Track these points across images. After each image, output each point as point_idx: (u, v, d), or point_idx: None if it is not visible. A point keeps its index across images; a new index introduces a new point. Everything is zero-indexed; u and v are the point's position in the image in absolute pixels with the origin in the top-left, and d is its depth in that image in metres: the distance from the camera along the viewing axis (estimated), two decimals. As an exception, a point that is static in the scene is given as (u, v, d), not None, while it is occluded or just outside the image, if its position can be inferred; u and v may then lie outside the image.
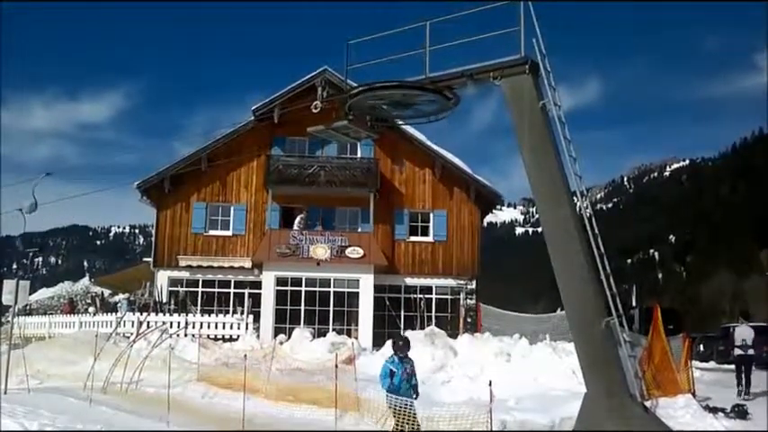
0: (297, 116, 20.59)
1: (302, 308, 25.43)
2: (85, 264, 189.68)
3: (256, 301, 25.28)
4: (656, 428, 8.09)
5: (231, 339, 22.70)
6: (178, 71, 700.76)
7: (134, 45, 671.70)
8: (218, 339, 22.05)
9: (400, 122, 12.02)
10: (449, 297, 27.22)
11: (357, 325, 25.13)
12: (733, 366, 16.36)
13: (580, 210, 8.43)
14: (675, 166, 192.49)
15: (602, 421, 7.94)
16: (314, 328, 23.70)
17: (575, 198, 8.51)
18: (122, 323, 22.38)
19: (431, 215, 27.83)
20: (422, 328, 22.86)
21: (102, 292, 37.79)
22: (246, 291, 26.01)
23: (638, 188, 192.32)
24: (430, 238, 27.69)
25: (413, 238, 27.63)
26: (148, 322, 22.21)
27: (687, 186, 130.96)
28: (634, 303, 36.16)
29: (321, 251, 25.55)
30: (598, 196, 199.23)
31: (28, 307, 31.48)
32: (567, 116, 8.58)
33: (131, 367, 14.73)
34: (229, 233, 27.27)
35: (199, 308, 25.67)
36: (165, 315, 23.82)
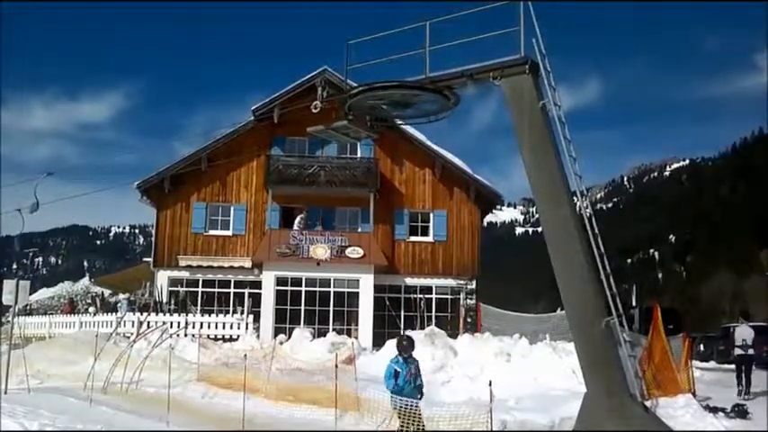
0: (297, 116, 20.57)
1: (302, 308, 25.44)
2: (85, 264, 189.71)
3: (256, 301, 25.29)
4: (656, 428, 8.09)
5: (231, 339, 22.70)
6: (178, 71, 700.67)
7: (134, 45, 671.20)
8: (218, 339, 22.05)
9: (400, 122, 12.02)
10: (449, 297, 27.22)
11: (357, 325, 25.14)
12: (733, 366, 16.37)
13: (580, 210, 8.43)
14: (675, 166, 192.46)
15: (603, 421, 7.94)
16: (314, 328, 23.70)
17: (575, 198, 8.51)
18: (122, 323, 22.39)
19: (431, 215, 27.84)
20: (422, 328, 22.84)
21: (103, 292, 37.84)
22: (246, 291, 26.03)
23: (638, 188, 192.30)
24: (430, 238, 27.70)
25: (413, 238, 27.63)
26: (148, 322, 22.20)
27: (687, 186, 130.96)
28: (634, 303, 36.13)
29: (321, 251, 25.56)
30: (598, 196, 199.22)
31: (28, 307, 31.51)
32: (567, 116, 8.59)
33: (131, 367, 14.73)
34: (229, 233, 27.28)
35: (199, 308, 25.68)
36: (165, 315, 23.82)
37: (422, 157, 27.91)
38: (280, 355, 15.59)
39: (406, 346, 9.44)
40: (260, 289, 25.52)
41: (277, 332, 23.85)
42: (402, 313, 26.54)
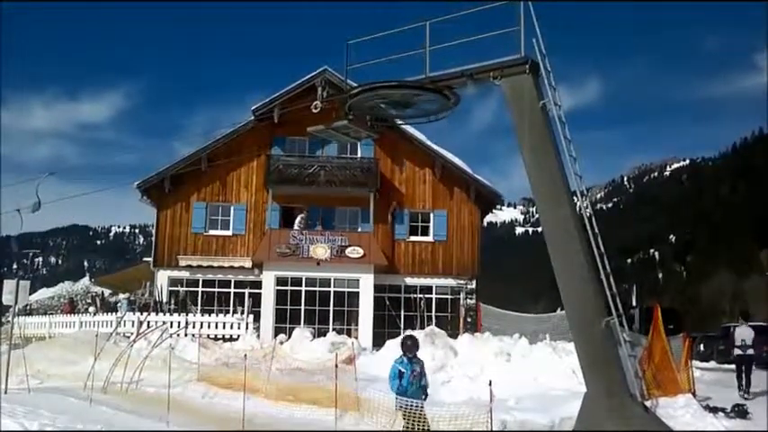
0: (297, 116, 20.57)
1: (302, 308, 25.44)
2: (85, 264, 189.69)
3: (256, 300, 25.28)
4: (656, 428, 8.09)
5: (231, 339, 22.70)
6: (178, 71, 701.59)
7: (134, 45, 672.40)
8: (218, 339, 22.05)
9: (400, 122, 12.02)
10: (449, 297, 27.22)
11: (357, 325, 25.14)
12: (733, 366, 16.37)
13: (580, 210, 8.42)
14: (675, 166, 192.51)
15: (603, 421, 7.93)
16: (314, 328, 23.69)
17: (575, 198, 8.51)
18: (122, 323, 22.40)
19: (431, 215, 27.84)
20: (422, 327, 22.83)
21: (103, 292, 37.84)
22: (246, 290, 26.02)
23: (638, 188, 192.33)
24: (430, 238, 27.69)
25: (413, 238, 27.63)
26: (148, 322, 22.20)
27: (687, 186, 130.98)
28: (634, 303, 36.15)
29: (321, 251, 25.55)
30: (598, 196, 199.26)
31: (28, 307, 31.52)
32: (567, 116, 8.58)
33: (131, 367, 14.74)
34: (229, 233, 27.27)
35: (199, 308, 25.67)
36: (165, 315, 23.81)
37: (422, 156, 27.91)
38: (280, 355, 15.58)
39: (411, 346, 9.36)
40: (260, 289, 25.52)
41: (277, 332, 23.85)
42: (402, 313, 26.53)
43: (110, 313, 25.72)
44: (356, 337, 22.85)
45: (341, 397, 11.15)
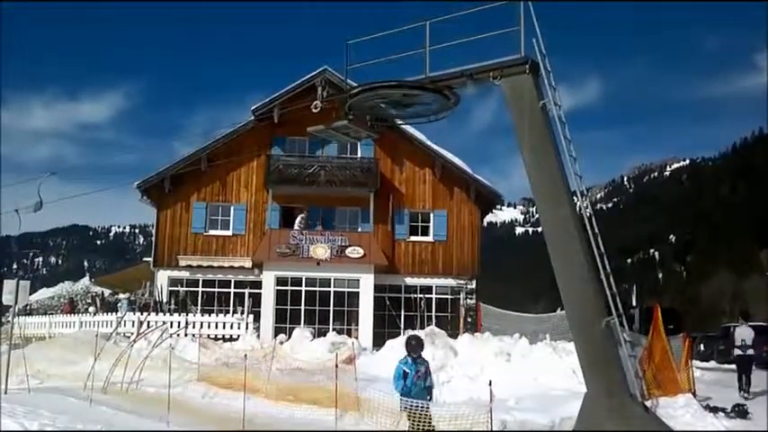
0: (297, 116, 20.59)
1: (302, 308, 25.44)
2: (86, 264, 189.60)
3: (256, 300, 25.29)
4: (656, 428, 8.08)
5: (231, 339, 22.71)
6: (178, 71, 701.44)
7: (134, 45, 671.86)
8: (218, 339, 22.05)
9: (400, 122, 12.02)
10: (449, 297, 27.22)
11: (357, 325, 25.14)
12: (733, 366, 16.37)
13: (580, 210, 8.42)
14: (675, 166, 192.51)
15: (603, 421, 7.93)
16: (314, 328, 23.70)
17: (575, 198, 8.50)
18: (122, 323, 22.40)
19: (431, 215, 27.84)
20: (422, 327, 22.84)
21: (103, 292, 37.77)
22: (246, 290, 26.03)
23: (638, 188, 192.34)
24: (430, 238, 27.70)
25: (413, 238, 27.63)
26: (149, 322, 22.21)
27: (687, 186, 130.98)
28: (634, 303, 36.15)
29: (321, 251, 25.56)
30: (598, 196, 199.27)
31: (28, 307, 31.50)
32: (567, 116, 8.57)
33: (131, 367, 14.74)
34: (229, 233, 27.28)
35: (199, 308, 25.68)
36: (165, 315, 23.81)
37: (422, 156, 27.91)
38: (280, 354, 15.58)
39: (415, 346, 9.31)
40: (260, 289, 25.52)
41: (277, 332, 23.85)
42: (402, 313, 26.54)
43: (110, 313, 25.71)
44: (356, 337, 22.87)
45: (341, 397, 11.15)
